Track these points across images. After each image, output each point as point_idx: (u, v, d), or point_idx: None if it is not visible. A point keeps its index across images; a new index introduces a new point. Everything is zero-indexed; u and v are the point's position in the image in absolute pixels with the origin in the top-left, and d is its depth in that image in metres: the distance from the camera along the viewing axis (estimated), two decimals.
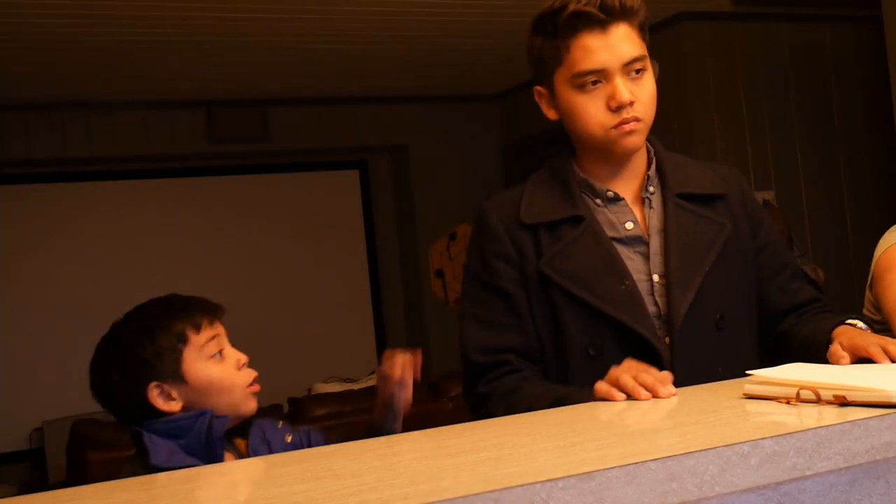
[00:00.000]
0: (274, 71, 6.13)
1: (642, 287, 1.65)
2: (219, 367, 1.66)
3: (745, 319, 1.71)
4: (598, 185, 1.71)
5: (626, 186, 1.73)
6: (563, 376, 1.65)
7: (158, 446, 1.56)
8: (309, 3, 4.81)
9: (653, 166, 1.74)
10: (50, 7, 4.52)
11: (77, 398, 7.17)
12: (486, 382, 1.67)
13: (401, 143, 7.34)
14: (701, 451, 0.91)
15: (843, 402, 1.09)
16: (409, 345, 7.77)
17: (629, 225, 1.69)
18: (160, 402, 1.63)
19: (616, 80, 1.66)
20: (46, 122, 6.42)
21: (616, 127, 1.66)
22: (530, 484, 0.84)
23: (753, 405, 1.19)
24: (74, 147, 6.49)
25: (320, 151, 7.28)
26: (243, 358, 1.70)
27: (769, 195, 5.69)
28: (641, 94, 1.68)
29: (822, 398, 1.11)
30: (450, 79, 6.77)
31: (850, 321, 1.63)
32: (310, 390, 5.72)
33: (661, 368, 1.55)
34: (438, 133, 7.38)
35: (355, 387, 5.53)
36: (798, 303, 1.78)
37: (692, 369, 1.56)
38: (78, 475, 4.47)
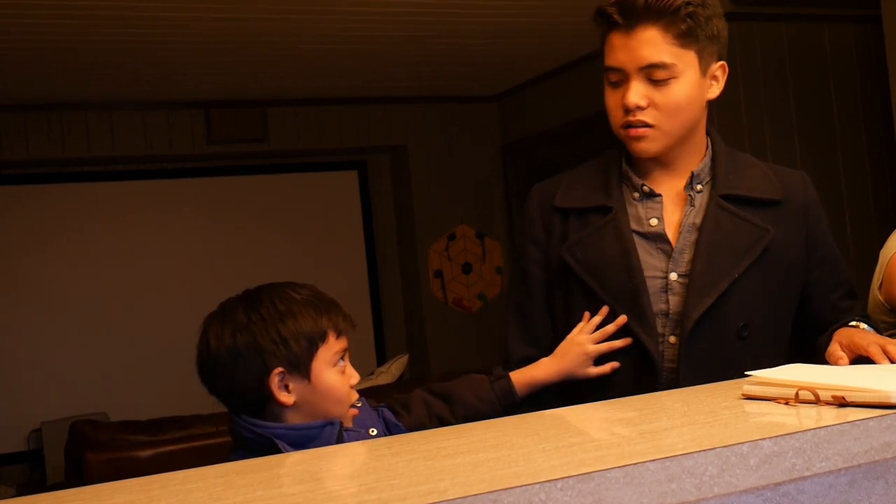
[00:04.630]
0: (273, 72, 6.13)
1: (656, 284, 1.64)
2: (339, 379, 1.60)
3: (772, 331, 1.67)
4: (637, 178, 1.72)
5: (670, 183, 1.72)
6: None
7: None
8: (307, 4, 4.81)
9: (702, 164, 1.72)
10: (49, 7, 4.52)
11: (75, 399, 7.17)
12: None
13: (400, 144, 7.34)
14: (700, 451, 0.91)
15: (842, 403, 1.09)
16: (408, 346, 7.80)
17: (653, 221, 1.68)
18: (277, 390, 1.55)
19: (632, 82, 1.63)
20: (45, 123, 6.41)
21: (625, 128, 1.66)
22: (529, 485, 0.84)
23: (752, 406, 1.19)
24: (73, 148, 6.49)
25: (319, 152, 7.28)
26: (356, 377, 1.65)
27: None
28: (660, 101, 1.63)
29: (821, 399, 1.11)
30: (449, 79, 6.77)
31: (853, 322, 1.63)
32: None
33: (654, 371, 1.56)
34: (437, 133, 7.38)
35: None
36: (845, 322, 1.74)
37: (701, 374, 1.55)
38: (76, 476, 4.47)
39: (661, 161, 1.70)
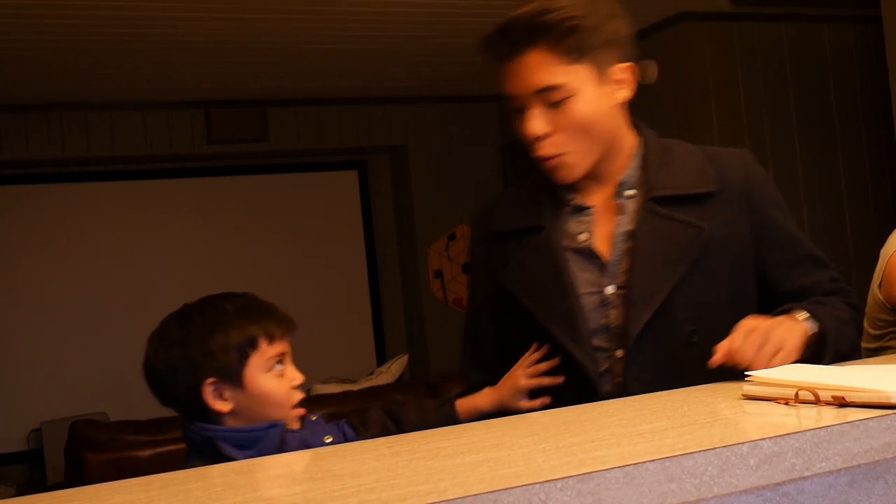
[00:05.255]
0: (273, 71, 6.13)
1: (592, 301, 1.60)
2: (276, 382, 1.65)
3: (729, 328, 1.50)
4: (565, 193, 1.66)
5: (600, 193, 1.66)
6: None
7: (236, 458, 1.52)
8: (307, 4, 4.81)
9: (630, 169, 1.65)
10: (49, 7, 4.52)
11: (75, 399, 7.17)
12: None
13: (400, 144, 7.34)
14: (700, 451, 0.91)
15: (841, 403, 1.09)
16: (408, 346, 7.80)
17: (582, 236, 1.63)
18: (211, 399, 1.62)
19: (529, 109, 1.56)
20: (45, 123, 6.41)
21: (540, 160, 1.60)
22: (529, 485, 0.84)
23: (752, 406, 1.19)
24: (73, 148, 6.49)
25: (319, 152, 7.28)
26: (298, 379, 1.69)
27: None
28: (563, 123, 1.55)
29: (821, 399, 1.11)
30: (449, 79, 6.77)
31: (794, 310, 1.51)
32: (309, 391, 5.72)
33: (590, 388, 1.54)
34: (437, 133, 7.38)
35: (354, 388, 5.53)
36: (808, 295, 1.65)
37: (651, 385, 1.48)
38: (76, 476, 4.47)
39: (589, 173, 1.63)
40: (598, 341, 1.59)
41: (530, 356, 1.67)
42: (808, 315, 1.50)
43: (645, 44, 5.91)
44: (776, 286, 1.65)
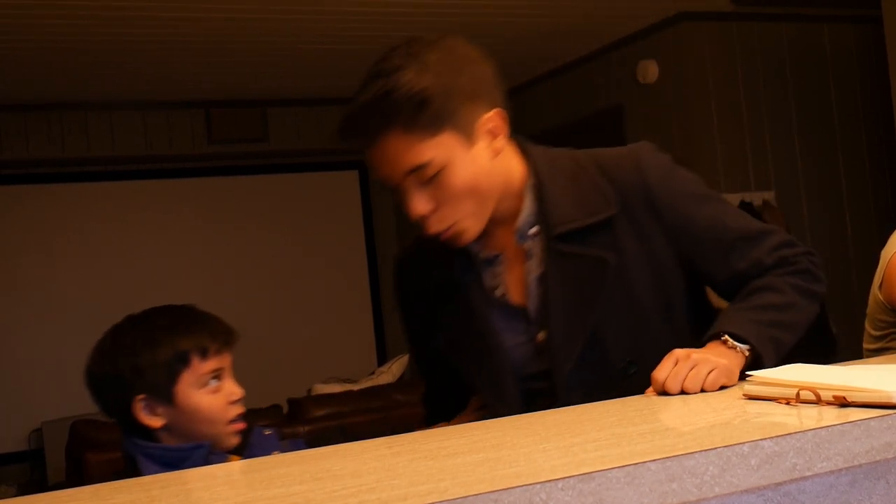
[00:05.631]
0: (273, 71, 6.13)
1: (527, 349, 1.55)
2: (210, 398, 1.62)
3: (671, 344, 1.43)
4: (472, 246, 1.56)
5: (505, 235, 1.57)
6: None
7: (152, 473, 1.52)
8: (307, 4, 4.81)
9: (525, 211, 1.54)
10: (49, 7, 4.52)
11: (76, 399, 7.18)
12: None
13: None
14: (701, 451, 0.91)
15: (843, 403, 1.09)
16: (408, 346, 7.80)
17: (498, 291, 1.58)
18: (143, 415, 1.61)
19: (406, 190, 1.46)
20: (45, 123, 6.42)
21: (435, 235, 1.50)
22: (530, 485, 0.84)
23: (753, 406, 1.18)
24: (73, 147, 6.49)
25: (319, 152, 7.28)
26: (237, 394, 1.65)
27: (769, 195, 5.70)
28: (442, 196, 1.45)
29: (822, 399, 1.11)
30: None
31: (720, 335, 1.43)
32: (309, 391, 5.72)
33: None
34: None
35: (355, 387, 5.53)
36: (755, 277, 1.55)
37: None
38: (77, 476, 4.47)
39: (490, 221, 1.53)
40: (541, 385, 1.55)
41: (463, 416, 1.64)
42: (731, 337, 1.41)
43: (645, 44, 5.92)
44: (713, 278, 1.58)
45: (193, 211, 7.09)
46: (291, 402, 5.14)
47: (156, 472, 1.50)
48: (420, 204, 1.46)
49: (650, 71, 5.87)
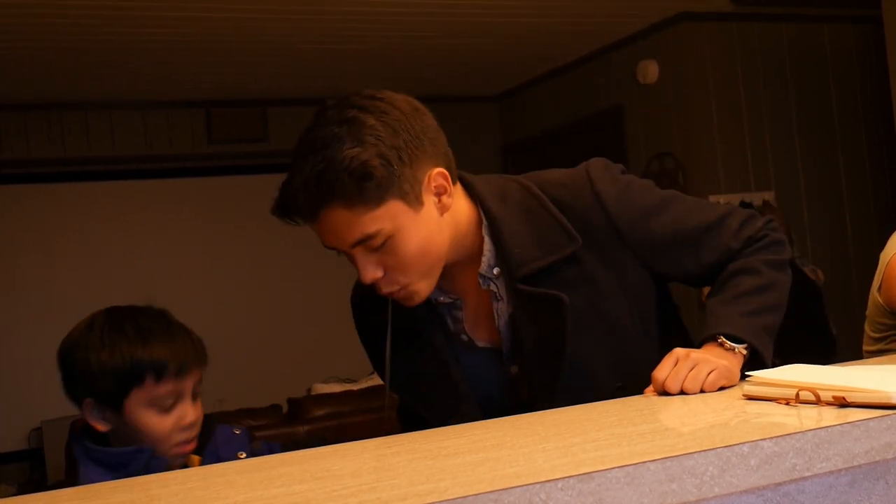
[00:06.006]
0: (273, 71, 6.13)
1: (497, 385, 1.54)
2: (158, 420, 1.55)
3: (648, 354, 1.45)
4: (433, 292, 1.51)
5: (467, 277, 1.54)
6: None
7: (90, 480, 1.50)
8: (308, 4, 4.81)
9: (486, 256, 1.51)
10: (49, 7, 4.52)
11: None
12: None
13: None
14: (700, 451, 0.91)
15: (842, 403, 1.09)
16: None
17: (463, 337, 1.56)
18: (89, 416, 1.58)
19: (355, 258, 1.43)
20: (45, 123, 6.42)
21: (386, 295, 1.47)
22: (529, 485, 0.84)
23: (753, 406, 1.19)
24: (73, 147, 6.50)
25: None
26: (189, 417, 1.57)
27: (769, 195, 5.70)
28: (392, 264, 1.42)
29: (822, 399, 1.11)
30: (449, 79, 6.77)
31: (716, 338, 1.43)
32: (309, 390, 5.72)
33: None
34: None
35: (355, 387, 5.53)
36: (726, 263, 1.55)
37: None
38: (76, 476, 4.46)
39: (450, 264, 1.50)
40: (519, 410, 1.50)
41: None
42: (727, 338, 1.42)
43: (645, 44, 5.92)
44: (688, 277, 1.58)
45: (193, 211, 7.09)
46: (291, 401, 5.15)
47: (96, 477, 1.50)
48: (369, 271, 1.42)
49: (650, 71, 5.87)
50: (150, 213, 6.96)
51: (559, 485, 0.85)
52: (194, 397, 1.60)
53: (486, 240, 1.51)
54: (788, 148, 5.85)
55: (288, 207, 1.44)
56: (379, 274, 1.43)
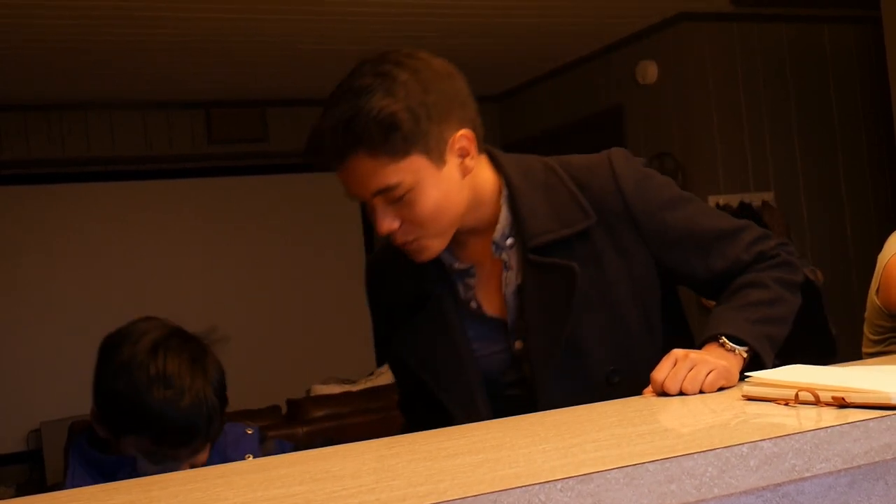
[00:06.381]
0: (273, 72, 6.13)
1: (503, 359, 1.56)
2: (149, 465, 1.54)
3: (651, 355, 1.44)
4: (447, 258, 1.57)
5: (480, 246, 1.57)
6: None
7: (74, 481, 1.52)
8: (307, 4, 4.81)
9: (501, 224, 1.54)
10: (49, 8, 4.52)
11: (75, 399, 7.16)
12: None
13: None
14: (700, 452, 0.91)
15: (842, 404, 1.09)
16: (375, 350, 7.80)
17: (472, 304, 1.58)
18: (93, 419, 1.59)
19: (374, 209, 1.47)
20: (45, 123, 6.42)
21: (400, 246, 1.51)
22: (529, 485, 0.84)
23: (752, 407, 1.19)
24: (73, 148, 6.50)
25: None
26: (183, 468, 1.55)
27: (768, 196, 5.70)
28: (409, 216, 1.45)
29: (821, 400, 1.11)
30: None
31: (717, 338, 1.43)
32: (308, 391, 5.72)
33: None
34: None
35: (354, 388, 5.53)
36: (736, 274, 1.55)
37: None
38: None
39: (464, 231, 1.54)
40: (519, 391, 1.55)
41: None
42: (728, 339, 1.42)
43: (645, 44, 5.92)
44: (695, 280, 1.58)
45: (193, 211, 7.09)
46: (290, 402, 5.14)
47: (80, 479, 1.52)
48: (385, 222, 1.46)
49: (650, 71, 5.87)
50: (150, 214, 6.96)
51: (559, 486, 0.85)
52: (195, 454, 1.57)
53: (504, 209, 1.55)
54: (788, 148, 5.85)
55: (316, 151, 1.46)
56: (395, 225, 1.46)
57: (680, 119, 5.79)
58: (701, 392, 1.33)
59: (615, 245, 1.54)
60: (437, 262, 1.57)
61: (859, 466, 1.00)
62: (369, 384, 5.64)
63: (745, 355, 1.42)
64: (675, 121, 5.81)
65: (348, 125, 1.41)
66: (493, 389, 1.58)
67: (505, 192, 1.55)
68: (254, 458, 1.65)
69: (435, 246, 1.50)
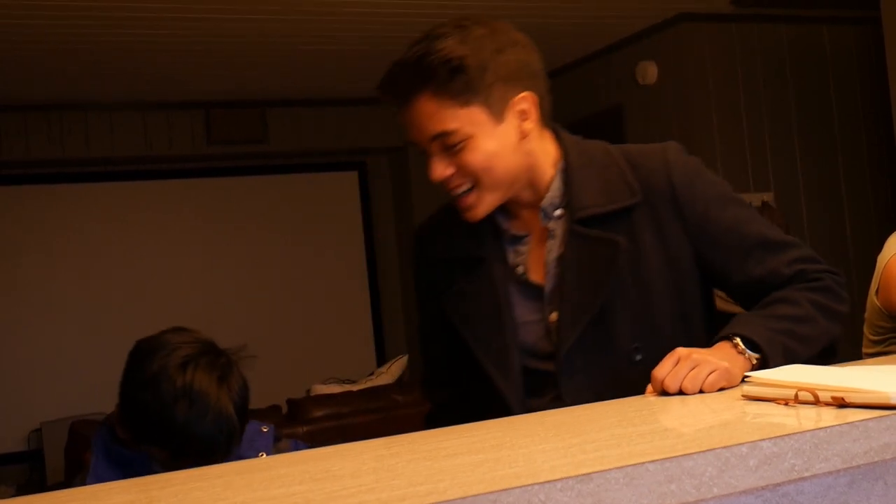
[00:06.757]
0: (272, 72, 6.13)
1: (538, 329, 1.58)
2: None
3: (678, 341, 1.46)
4: (502, 222, 1.63)
5: (532, 218, 1.62)
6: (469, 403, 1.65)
7: (96, 482, 1.55)
8: (307, 5, 4.81)
9: (551, 193, 1.59)
10: (49, 7, 4.52)
11: (75, 399, 7.17)
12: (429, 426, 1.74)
13: (399, 145, 7.34)
14: (699, 452, 0.91)
15: (841, 404, 1.09)
16: (407, 346, 7.81)
17: (520, 269, 1.61)
18: (117, 420, 1.65)
19: (431, 156, 1.53)
20: (45, 123, 6.42)
21: (454, 199, 1.57)
22: (529, 485, 0.84)
23: (752, 406, 1.19)
24: (73, 148, 6.49)
25: (319, 153, 7.28)
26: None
27: (768, 196, 5.69)
28: (462, 165, 1.52)
29: (821, 400, 1.11)
30: None
31: (731, 337, 1.43)
32: (309, 391, 5.72)
33: None
34: None
35: (354, 388, 5.53)
36: (773, 285, 1.55)
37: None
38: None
39: (519, 201, 1.60)
40: (548, 366, 1.57)
41: None
42: (743, 341, 1.42)
43: (645, 44, 5.92)
44: (728, 281, 1.59)
45: (193, 211, 7.09)
46: (291, 402, 5.15)
47: (102, 472, 1.57)
48: (438, 169, 1.52)
49: (650, 72, 5.87)
50: (150, 214, 6.96)
51: (558, 485, 0.85)
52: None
53: (557, 180, 1.59)
54: (788, 149, 5.85)
55: (387, 86, 1.54)
56: (448, 172, 1.52)
57: (680, 119, 5.79)
58: (701, 392, 1.33)
59: (657, 228, 1.56)
60: (490, 227, 1.62)
61: (858, 466, 1.00)
62: (369, 384, 5.64)
63: (754, 361, 1.41)
64: (675, 121, 5.81)
65: (419, 62, 1.48)
66: (524, 361, 1.61)
67: (561, 165, 1.60)
68: (267, 455, 1.67)
69: (486, 201, 1.55)
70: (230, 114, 6.80)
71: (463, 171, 1.52)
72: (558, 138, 1.63)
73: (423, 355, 1.82)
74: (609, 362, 1.53)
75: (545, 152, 1.60)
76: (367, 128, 7.18)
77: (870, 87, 5.94)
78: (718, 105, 5.69)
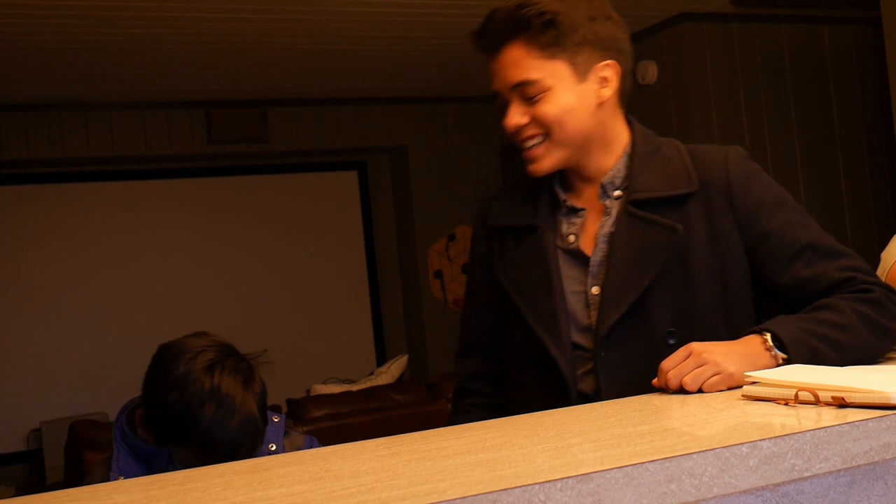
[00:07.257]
0: (273, 72, 6.12)
1: (579, 301, 1.62)
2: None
3: (716, 330, 1.52)
4: (561, 194, 1.69)
5: (591, 193, 1.68)
6: (511, 380, 1.72)
7: (119, 473, 1.62)
8: (308, 4, 4.81)
9: (614, 170, 1.65)
10: (49, 8, 4.52)
11: (75, 399, 7.16)
12: (455, 401, 1.83)
13: (400, 144, 7.34)
14: (699, 452, 0.91)
15: (841, 404, 1.09)
16: (407, 346, 7.80)
17: (571, 238, 1.66)
18: (138, 422, 1.70)
19: (509, 104, 1.61)
20: (45, 123, 6.41)
21: (522, 150, 1.65)
22: (529, 485, 0.84)
23: (752, 406, 1.19)
24: (73, 148, 6.49)
25: (319, 152, 7.28)
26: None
27: None
28: (537, 116, 1.59)
29: (821, 399, 1.11)
30: (449, 79, 6.77)
31: (764, 331, 1.43)
32: (308, 391, 5.72)
33: (565, 389, 1.57)
34: (437, 133, 7.38)
35: (354, 388, 5.53)
36: (819, 289, 1.55)
37: (627, 386, 1.48)
38: (76, 476, 4.47)
39: (579, 173, 1.66)
40: (583, 341, 1.61)
41: None
42: (773, 337, 1.41)
43: (645, 44, 5.91)
44: (774, 280, 1.59)
45: (193, 211, 7.09)
46: (290, 402, 5.14)
47: (126, 466, 1.62)
48: (516, 116, 1.59)
49: (650, 72, 5.87)
50: (150, 214, 6.96)
51: (558, 485, 0.85)
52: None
53: (622, 160, 1.66)
54: (788, 148, 5.85)
55: (481, 33, 1.62)
56: (524, 121, 1.59)
57: (680, 119, 5.79)
58: (700, 392, 1.33)
59: (709, 220, 1.60)
60: (548, 198, 1.69)
61: (859, 466, 1.00)
62: (369, 384, 5.64)
63: (780, 360, 1.40)
64: (675, 121, 5.81)
65: (515, 11, 1.56)
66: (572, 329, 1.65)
67: (629, 150, 1.66)
68: (276, 446, 1.71)
69: (553, 155, 1.61)
70: (230, 113, 6.80)
71: (537, 121, 1.58)
72: (630, 125, 1.70)
73: (463, 322, 1.85)
74: (644, 343, 1.56)
75: (617, 132, 1.67)
76: (367, 128, 7.18)
77: (870, 87, 5.94)
78: (718, 105, 5.69)
